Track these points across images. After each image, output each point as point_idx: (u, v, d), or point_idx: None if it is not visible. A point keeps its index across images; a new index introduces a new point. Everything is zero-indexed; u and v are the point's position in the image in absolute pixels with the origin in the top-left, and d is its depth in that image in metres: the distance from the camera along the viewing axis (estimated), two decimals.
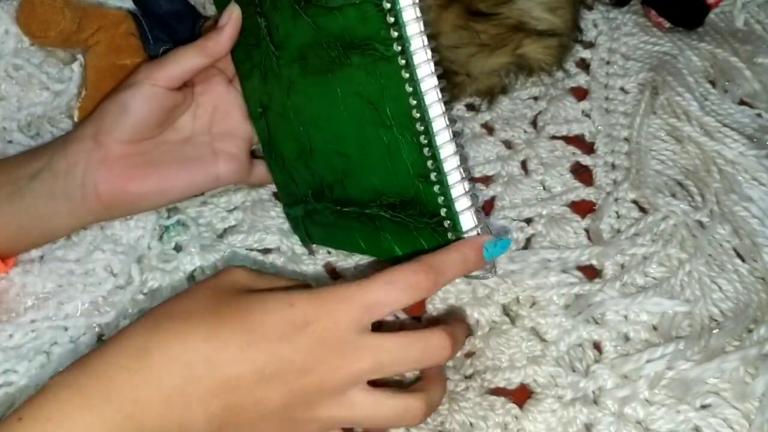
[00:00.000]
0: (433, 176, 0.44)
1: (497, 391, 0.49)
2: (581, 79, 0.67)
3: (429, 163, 0.44)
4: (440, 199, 0.45)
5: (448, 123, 0.44)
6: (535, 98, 0.66)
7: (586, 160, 0.62)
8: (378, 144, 0.46)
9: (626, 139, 0.62)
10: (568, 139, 0.63)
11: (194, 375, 0.38)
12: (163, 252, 0.57)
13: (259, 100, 0.53)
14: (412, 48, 0.43)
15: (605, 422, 0.48)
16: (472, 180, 0.60)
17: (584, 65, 0.68)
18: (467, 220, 0.45)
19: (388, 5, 0.42)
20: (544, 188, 0.60)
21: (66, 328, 0.53)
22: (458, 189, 0.45)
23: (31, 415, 0.36)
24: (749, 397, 0.48)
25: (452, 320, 0.50)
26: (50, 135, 0.62)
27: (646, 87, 0.65)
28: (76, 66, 0.64)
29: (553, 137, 0.63)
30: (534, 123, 0.64)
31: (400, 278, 0.41)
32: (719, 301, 0.53)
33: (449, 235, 0.46)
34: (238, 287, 0.42)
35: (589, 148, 0.62)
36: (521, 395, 0.49)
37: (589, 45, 0.69)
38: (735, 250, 0.55)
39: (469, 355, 0.51)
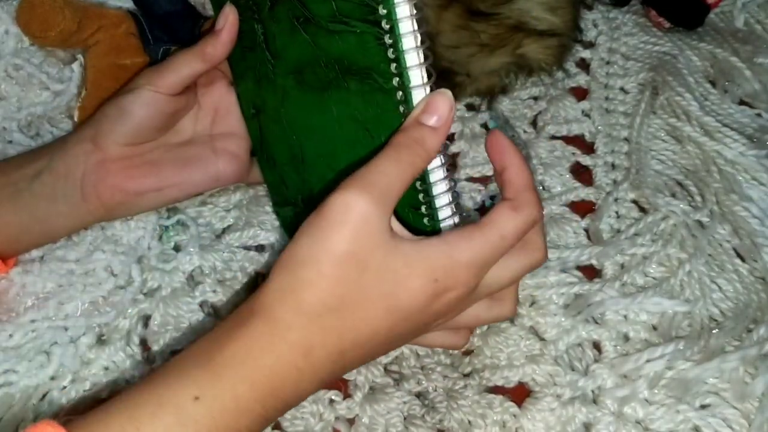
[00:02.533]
0: (423, 209, 0.45)
1: (496, 390, 0.49)
2: (581, 79, 0.67)
3: (420, 196, 0.44)
4: (427, 222, 0.45)
5: (442, 160, 0.44)
6: (535, 98, 0.66)
7: (585, 160, 0.62)
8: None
9: (626, 139, 0.62)
10: (568, 139, 0.63)
11: (347, 359, 0.41)
12: (163, 252, 0.57)
13: (253, 102, 0.53)
14: (412, 84, 0.42)
15: (604, 422, 0.48)
16: (472, 180, 0.61)
17: (584, 65, 0.68)
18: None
19: (390, 41, 0.41)
20: (543, 188, 0.60)
21: (66, 328, 0.53)
22: (448, 222, 0.45)
23: (208, 396, 0.37)
24: (749, 397, 0.48)
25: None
26: (50, 135, 0.62)
27: (646, 87, 0.65)
28: (76, 66, 0.64)
29: (553, 137, 0.63)
30: (534, 123, 0.64)
31: (514, 235, 0.42)
32: (719, 301, 0.53)
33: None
34: (375, 229, 0.39)
35: (589, 148, 0.62)
36: (520, 394, 0.49)
37: (589, 45, 0.69)
38: (735, 250, 0.55)
39: (468, 353, 0.51)
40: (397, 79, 0.42)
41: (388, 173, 0.40)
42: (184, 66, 0.52)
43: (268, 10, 0.48)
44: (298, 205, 0.53)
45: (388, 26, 0.41)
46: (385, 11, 0.40)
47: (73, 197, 0.51)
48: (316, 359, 0.39)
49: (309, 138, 0.49)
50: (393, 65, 0.41)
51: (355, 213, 0.39)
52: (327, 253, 0.39)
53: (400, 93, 0.42)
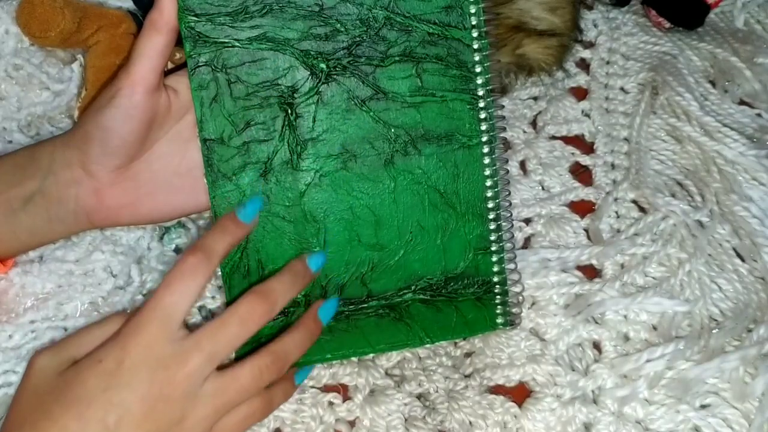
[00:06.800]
0: (494, 247, 0.50)
1: (496, 390, 0.49)
2: (581, 79, 0.67)
3: (493, 236, 0.49)
4: (495, 267, 0.50)
5: (508, 201, 0.50)
6: (535, 98, 0.66)
7: (585, 160, 0.62)
8: (432, 227, 0.49)
9: (626, 139, 0.63)
10: (567, 139, 0.63)
11: None
12: (163, 253, 0.57)
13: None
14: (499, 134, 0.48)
15: (604, 422, 0.48)
16: None
17: (584, 65, 0.68)
18: (514, 277, 0.51)
19: (483, 104, 0.47)
20: (542, 188, 0.60)
21: (65, 329, 0.53)
22: (511, 254, 0.50)
23: None
24: (749, 397, 0.48)
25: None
26: (50, 135, 0.62)
27: (646, 87, 0.65)
28: (76, 66, 0.64)
29: (553, 137, 0.63)
30: (534, 123, 0.64)
31: (177, 278, 0.43)
32: (719, 301, 0.53)
33: (497, 298, 0.50)
34: (49, 373, 0.43)
35: (588, 148, 0.62)
36: (520, 394, 0.49)
37: (589, 45, 0.69)
38: (735, 250, 0.55)
39: (469, 354, 0.51)
40: (487, 134, 0.48)
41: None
42: (142, 47, 0.47)
43: (310, 93, 0.47)
44: (290, 314, 0.49)
45: (482, 92, 0.47)
46: (482, 80, 0.47)
47: (66, 220, 0.50)
48: None
49: (341, 221, 0.48)
50: (483, 125, 0.48)
51: None
52: None
53: (486, 147, 0.48)
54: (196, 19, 0.46)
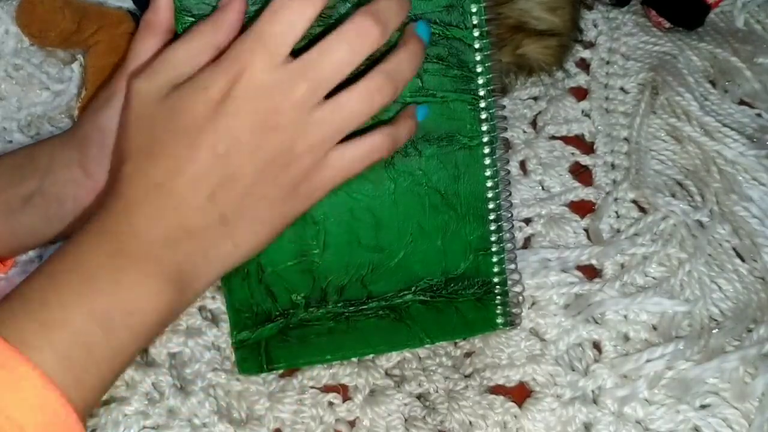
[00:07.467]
0: (494, 247, 0.49)
1: (496, 390, 0.49)
2: (581, 79, 0.67)
3: (493, 236, 0.49)
4: (496, 268, 0.50)
5: (509, 201, 0.50)
6: (535, 98, 0.66)
7: (585, 160, 0.62)
8: (432, 229, 0.49)
9: (626, 139, 0.63)
10: (567, 139, 0.63)
11: (169, 203, 0.40)
12: None
13: None
14: (500, 135, 0.48)
15: (604, 422, 0.48)
16: None
17: (584, 65, 0.68)
18: (514, 278, 0.51)
19: (484, 105, 0.47)
20: (542, 188, 0.60)
21: None
22: (511, 254, 0.50)
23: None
24: (749, 397, 0.48)
25: None
26: (50, 135, 0.62)
27: (646, 87, 0.65)
28: (76, 66, 0.64)
29: (553, 137, 0.63)
30: (534, 123, 0.64)
31: (285, 5, 0.40)
32: (719, 301, 0.53)
33: (497, 298, 0.50)
34: (151, 99, 0.41)
35: (588, 148, 0.62)
36: (520, 394, 0.49)
37: (589, 45, 0.69)
38: (735, 250, 0.55)
39: (469, 354, 0.51)
40: (488, 135, 0.47)
41: None
42: (137, 47, 0.47)
43: None
44: (291, 315, 0.49)
45: (483, 92, 0.47)
46: (483, 80, 0.47)
47: (66, 220, 0.50)
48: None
49: (341, 223, 0.48)
50: (484, 125, 0.47)
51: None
52: None
53: (487, 147, 0.48)
54: (193, 20, 0.45)
